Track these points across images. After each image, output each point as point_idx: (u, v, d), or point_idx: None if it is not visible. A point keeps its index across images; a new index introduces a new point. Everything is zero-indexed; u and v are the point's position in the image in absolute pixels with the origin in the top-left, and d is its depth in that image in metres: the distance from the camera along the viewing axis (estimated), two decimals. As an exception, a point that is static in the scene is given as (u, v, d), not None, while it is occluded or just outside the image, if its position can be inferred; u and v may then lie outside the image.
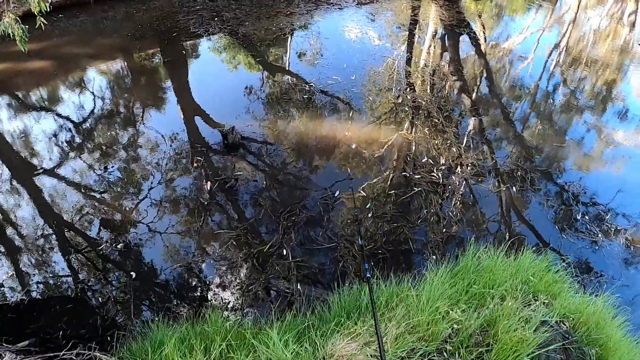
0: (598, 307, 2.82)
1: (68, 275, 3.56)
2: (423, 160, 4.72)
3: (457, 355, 2.25)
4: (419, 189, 4.39)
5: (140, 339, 2.72)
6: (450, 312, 2.47)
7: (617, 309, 2.94)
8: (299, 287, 3.47)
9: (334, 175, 4.54)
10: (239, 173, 4.52)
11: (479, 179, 4.56)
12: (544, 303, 2.68)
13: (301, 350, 2.30)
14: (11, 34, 4.15)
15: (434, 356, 2.26)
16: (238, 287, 3.51)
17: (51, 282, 3.52)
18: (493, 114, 5.65)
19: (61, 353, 2.49)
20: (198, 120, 5.28)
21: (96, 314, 3.25)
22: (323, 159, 4.75)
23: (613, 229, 4.15)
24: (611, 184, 4.72)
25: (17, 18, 4.26)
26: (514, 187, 4.51)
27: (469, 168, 4.63)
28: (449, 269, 2.94)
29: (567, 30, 8.26)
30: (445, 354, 2.27)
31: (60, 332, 3.06)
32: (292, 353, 2.26)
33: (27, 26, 4.23)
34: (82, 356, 2.50)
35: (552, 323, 2.56)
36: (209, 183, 4.44)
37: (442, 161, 4.71)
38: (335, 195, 4.29)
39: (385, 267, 3.56)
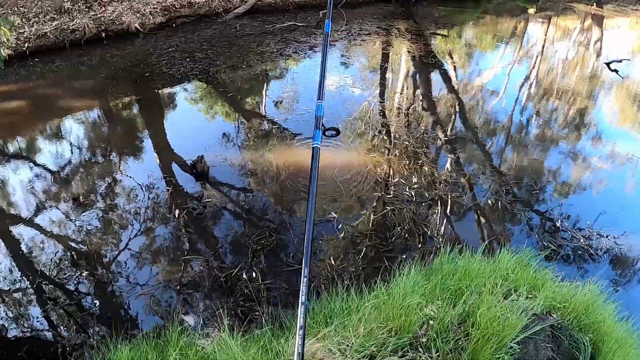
0: (586, 293, 2.67)
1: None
2: (394, 181, 4.69)
3: (433, 348, 2.06)
4: (392, 207, 4.32)
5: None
6: (425, 308, 2.31)
7: (607, 294, 2.79)
8: (268, 308, 3.29)
9: (303, 200, 4.45)
10: (207, 200, 4.41)
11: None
12: (527, 297, 2.54)
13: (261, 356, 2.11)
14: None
15: (407, 351, 2.08)
16: (205, 310, 3.31)
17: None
18: (469, 148, 5.56)
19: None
20: (168, 153, 5.22)
21: (57, 343, 3.06)
22: (292, 185, 4.66)
23: (597, 249, 4.01)
24: (591, 206, 4.60)
25: None
26: (489, 199, 4.48)
27: (442, 185, 4.61)
28: (422, 270, 2.80)
29: (536, 63, 8.51)
30: (420, 348, 2.09)
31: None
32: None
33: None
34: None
35: (538, 312, 2.42)
36: (177, 211, 4.31)
37: (415, 180, 4.69)
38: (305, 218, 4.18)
39: (360, 284, 3.42)
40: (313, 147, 1.54)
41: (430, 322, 2.28)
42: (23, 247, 3.91)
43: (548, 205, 4.56)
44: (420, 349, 2.09)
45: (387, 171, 4.86)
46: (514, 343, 2.12)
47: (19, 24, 7.86)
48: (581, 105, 6.83)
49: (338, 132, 1.67)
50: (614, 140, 5.87)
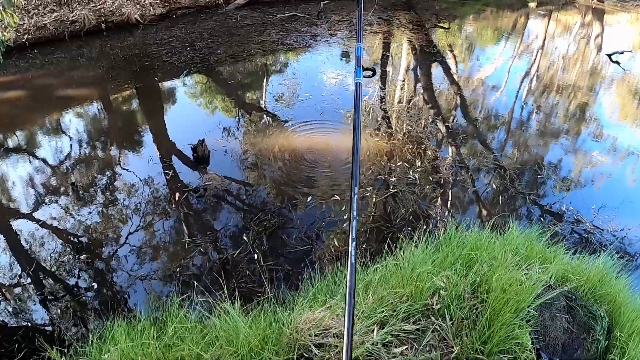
0: (599, 265, 2.58)
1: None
2: (398, 164, 4.61)
3: (447, 315, 1.96)
4: (396, 190, 4.24)
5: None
6: (435, 278, 2.21)
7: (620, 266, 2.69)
8: (271, 289, 3.19)
9: (305, 183, 4.38)
10: (208, 183, 4.32)
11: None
12: (538, 271, 2.43)
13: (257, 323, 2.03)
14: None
15: (419, 319, 1.98)
16: (205, 292, 3.21)
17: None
18: (470, 142, 5.40)
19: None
20: (168, 138, 5.14)
21: (53, 325, 2.99)
22: (294, 169, 4.57)
23: (598, 243, 3.94)
24: (592, 201, 4.44)
25: None
26: (493, 184, 4.39)
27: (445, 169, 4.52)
28: (430, 243, 2.70)
29: (536, 57, 8.40)
30: (432, 316, 1.99)
31: (16, 345, 2.79)
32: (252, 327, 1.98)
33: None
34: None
35: (551, 283, 2.32)
36: (177, 194, 4.22)
37: (418, 163, 4.60)
38: (308, 200, 4.11)
39: (366, 261, 3.34)
40: (356, 83, 1.79)
41: (442, 292, 2.19)
42: (19, 231, 3.82)
43: (553, 190, 4.49)
44: (432, 317, 2.00)
45: (391, 156, 4.77)
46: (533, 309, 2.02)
47: (18, 15, 7.76)
48: (585, 91, 6.75)
49: (374, 72, 1.84)
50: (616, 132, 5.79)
